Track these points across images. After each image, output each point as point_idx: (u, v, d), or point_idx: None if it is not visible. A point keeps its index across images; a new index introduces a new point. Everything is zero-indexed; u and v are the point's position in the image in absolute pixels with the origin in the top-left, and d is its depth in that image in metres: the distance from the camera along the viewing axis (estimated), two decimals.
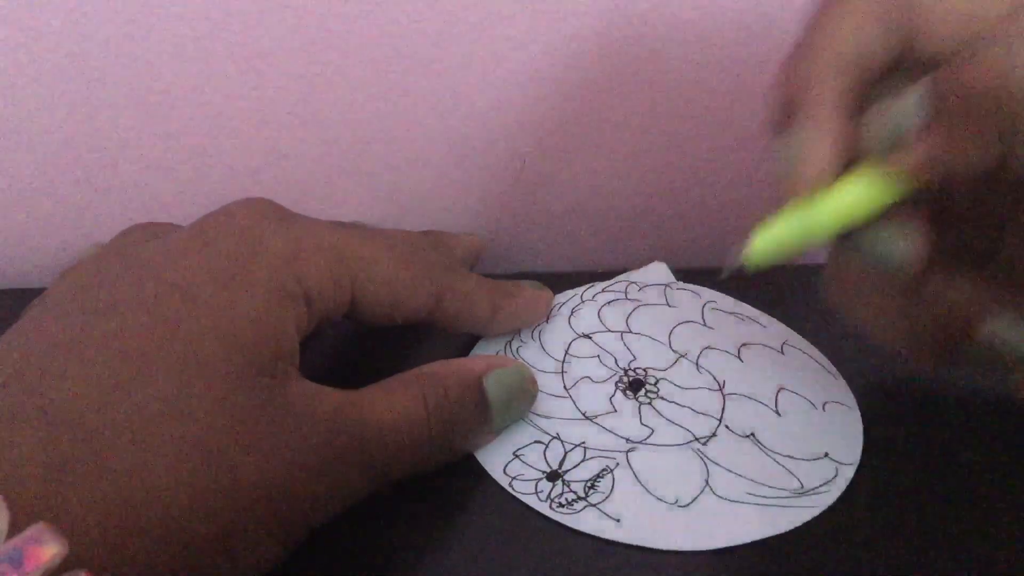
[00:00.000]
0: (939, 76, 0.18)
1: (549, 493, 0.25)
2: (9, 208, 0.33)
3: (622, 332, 0.31)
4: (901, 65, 0.21)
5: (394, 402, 0.23)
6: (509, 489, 0.25)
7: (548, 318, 0.31)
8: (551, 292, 0.31)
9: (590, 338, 0.30)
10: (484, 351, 0.30)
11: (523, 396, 0.26)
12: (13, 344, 0.21)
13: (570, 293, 0.32)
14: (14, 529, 0.15)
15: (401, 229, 0.30)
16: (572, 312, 0.31)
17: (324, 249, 0.24)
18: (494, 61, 0.32)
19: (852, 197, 0.20)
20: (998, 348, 0.20)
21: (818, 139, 0.20)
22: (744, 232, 0.21)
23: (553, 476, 0.25)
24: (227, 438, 0.20)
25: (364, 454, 0.22)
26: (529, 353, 0.30)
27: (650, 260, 0.34)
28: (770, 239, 0.21)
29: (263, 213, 0.24)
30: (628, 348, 0.30)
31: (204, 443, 0.19)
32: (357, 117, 0.33)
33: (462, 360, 0.25)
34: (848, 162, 0.21)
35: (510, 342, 0.30)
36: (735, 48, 0.32)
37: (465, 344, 0.30)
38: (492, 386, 0.25)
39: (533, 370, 0.29)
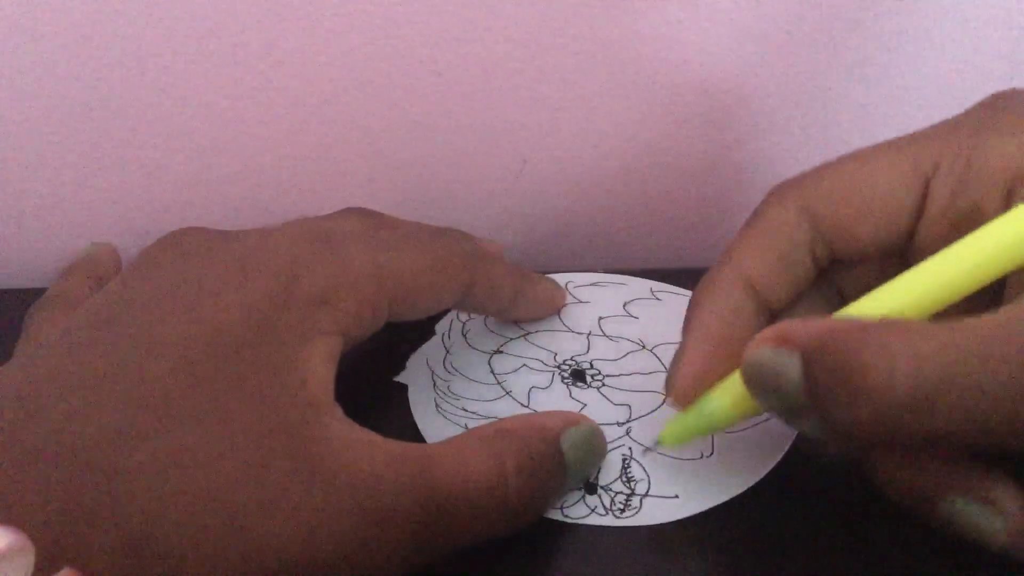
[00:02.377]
0: (812, 356, 0.19)
1: (604, 505, 0.24)
2: (9, 208, 0.33)
3: (523, 335, 0.30)
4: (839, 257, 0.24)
5: (466, 460, 0.20)
6: (564, 519, 0.23)
7: (448, 347, 0.29)
8: (564, 289, 0.31)
9: (502, 352, 0.29)
10: (416, 399, 0.27)
11: (596, 456, 0.24)
12: (34, 368, 0.21)
13: (446, 319, 0.30)
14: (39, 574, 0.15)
15: (425, 223, 0.29)
16: (465, 335, 0.29)
17: (363, 278, 0.23)
18: (494, 61, 0.31)
19: (730, 401, 0.22)
20: (956, 529, 0.20)
21: (690, 354, 0.23)
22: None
23: (591, 489, 0.24)
24: (243, 494, 0.18)
25: (423, 520, 0.20)
26: (461, 387, 0.27)
27: (649, 260, 0.34)
28: (675, 431, 0.23)
29: (301, 241, 0.23)
30: (540, 346, 0.29)
31: (218, 499, 0.18)
32: (357, 117, 0.33)
33: (536, 416, 0.23)
34: (728, 369, 0.22)
35: (435, 384, 0.27)
36: (734, 53, 0.33)
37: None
38: (568, 445, 0.23)
39: (476, 403, 0.27)
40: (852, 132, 0.35)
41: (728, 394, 0.22)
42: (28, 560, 0.14)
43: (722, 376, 0.22)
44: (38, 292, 0.27)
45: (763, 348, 0.19)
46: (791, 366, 0.19)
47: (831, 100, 0.34)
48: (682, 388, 0.23)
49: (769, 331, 0.20)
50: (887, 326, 0.19)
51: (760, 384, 0.20)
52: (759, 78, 0.33)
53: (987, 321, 0.18)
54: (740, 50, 0.33)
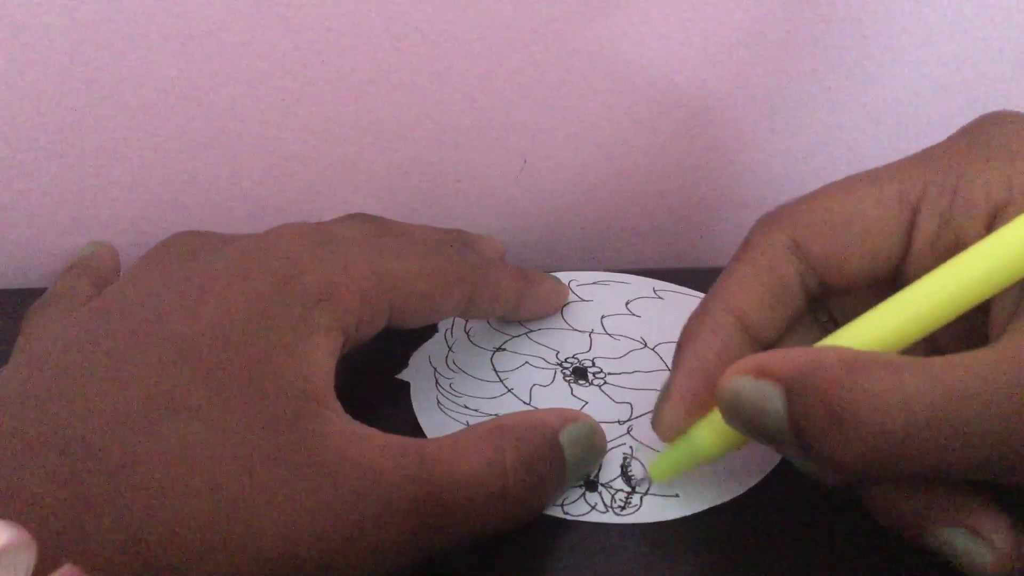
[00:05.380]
0: (796, 391, 0.19)
1: (604, 502, 0.24)
2: (9, 208, 0.33)
3: (525, 333, 0.30)
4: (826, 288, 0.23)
5: (465, 454, 0.21)
6: (564, 516, 0.23)
7: (450, 344, 0.29)
8: (567, 286, 0.31)
9: (504, 349, 0.29)
10: (419, 396, 0.27)
11: (595, 453, 0.24)
12: (38, 365, 0.21)
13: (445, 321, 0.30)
14: (40, 570, 0.14)
15: (429, 226, 0.30)
16: (467, 332, 0.30)
17: (363, 277, 0.23)
18: (494, 61, 0.32)
19: (715, 434, 0.22)
20: (944, 556, 0.20)
21: (678, 389, 0.23)
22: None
23: (591, 486, 0.24)
24: (245, 487, 0.19)
25: (422, 513, 0.20)
26: (463, 384, 0.27)
27: (649, 260, 0.34)
28: (663, 465, 0.24)
29: (303, 241, 0.23)
30: (542, 344, 0.29)
31: (220, 491, 0.18)
32: (357, 117, 0.33)
33: (536, 412, 0.24)
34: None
35: (437, 381, 0.28)
36: (737, 53, 0.33)
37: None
38: (567, 442, 0.23)
39: (478, 400, 0.27)
40: (853, 131, 0.35)
41: (713, 427, 0.22)
42: (29, 556, 0.14)
43: (711, 411, 0.22)
44: (38, 292, 0.27)
45: (742, 379, 0.20)
46: (774, 399, 0.19)
47: (832, 100, 0.34)
48: (669, 423, 0.23)
49: (745, 362, 0.20)
50: (875, 363, 0.18)
51: (739, 415, 0.20)
52: (761, 78, 0.33)
53: (976, 359, 0.18)
54: (742, 50, 0.33)
